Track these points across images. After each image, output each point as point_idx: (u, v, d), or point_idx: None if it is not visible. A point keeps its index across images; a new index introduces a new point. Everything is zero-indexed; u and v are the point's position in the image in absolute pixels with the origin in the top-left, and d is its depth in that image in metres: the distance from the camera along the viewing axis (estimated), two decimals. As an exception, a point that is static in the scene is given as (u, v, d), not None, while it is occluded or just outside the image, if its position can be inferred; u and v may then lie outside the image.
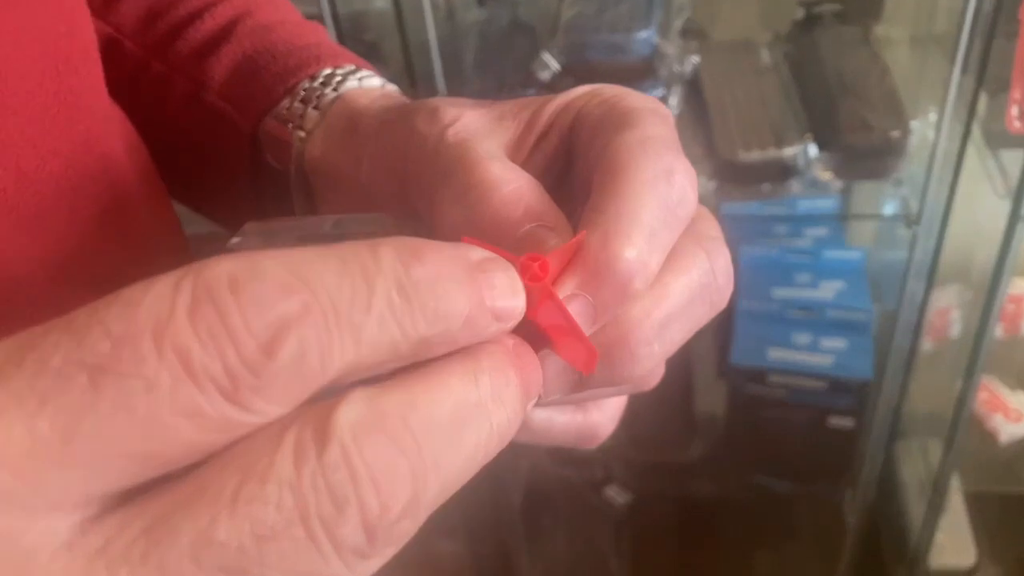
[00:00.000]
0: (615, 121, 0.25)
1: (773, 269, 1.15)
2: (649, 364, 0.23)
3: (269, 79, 0.34)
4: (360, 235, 0.27)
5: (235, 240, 0.25)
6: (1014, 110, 0.85)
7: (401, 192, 0.27)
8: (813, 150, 0.95)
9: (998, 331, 1.03)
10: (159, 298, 0.15)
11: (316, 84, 0.33)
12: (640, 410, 0.37)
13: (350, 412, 0.15)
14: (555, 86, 0.95)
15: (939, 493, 1.10)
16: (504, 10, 1.02)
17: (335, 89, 0.33)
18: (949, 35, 0.83)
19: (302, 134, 0.32)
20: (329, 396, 0.16)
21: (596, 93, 0.27)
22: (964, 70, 0.81)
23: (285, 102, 0.33)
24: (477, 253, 0.18)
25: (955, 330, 1.15)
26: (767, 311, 1.12)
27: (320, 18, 0.83)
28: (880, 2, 1.06)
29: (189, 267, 0.15)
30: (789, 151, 0.94)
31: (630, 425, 0.33)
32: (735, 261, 0.25)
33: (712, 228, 0.25)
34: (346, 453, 0.15)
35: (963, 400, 1.01)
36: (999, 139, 0.90)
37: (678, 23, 0.99)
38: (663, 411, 1.12)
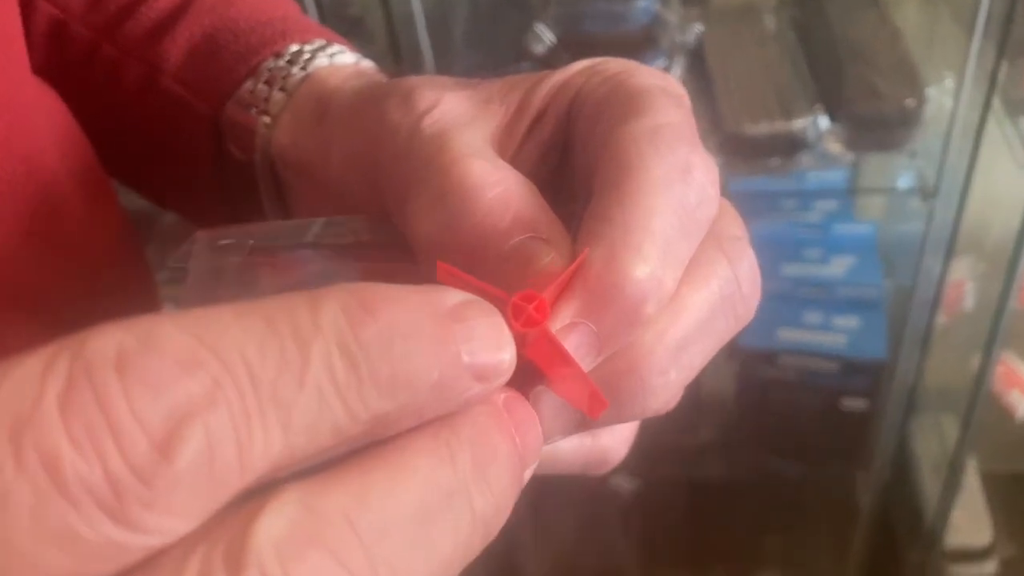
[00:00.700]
0: (621, 105, 0.21)
1: (782, 245, 1.11)
2: (665, 396, 0.19)
3: (230, 59, 0.31)
4: (330, 245, 0.23)
5: (178, 256, 0.21)
6: (1037, 75, 0.81)
7: (373, 193, 0.23)
8: (824, 122, 0.90)
9: (1016, 304, 0.99)
10: (23, 383, 0.11)
11: (282, 63, 0.30)
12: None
13: (275, 523, 0.11)
14: (550, 60, 0.91)
15: (955, 472, 1.07)
16: (495, -20, 0.98)
17: (303, 68, 0.29)
18: (967, -5, 0.79)
19: (267, 120, 0.29)
20: (257, 495, 0.12)
21: (598, 69, 0.23)
22: (984, 34, 0.77)
23: (248, 84, 0.30)
24: (452, 297, 0.14)
25: (968, 303, 1.11)
26: (777, 290, 1.08)
27: (300, -7, 0.79)
28: (890, -40, 1.02)
29: (68, 340, 0.11)
30: (798, 123, 0.90)
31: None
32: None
33: (734, 226, 0.22)
34: None
35: (982, 376, 0.99)
36: (1021, 106, 0.86)
37: (678, -11, 0.95)
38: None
